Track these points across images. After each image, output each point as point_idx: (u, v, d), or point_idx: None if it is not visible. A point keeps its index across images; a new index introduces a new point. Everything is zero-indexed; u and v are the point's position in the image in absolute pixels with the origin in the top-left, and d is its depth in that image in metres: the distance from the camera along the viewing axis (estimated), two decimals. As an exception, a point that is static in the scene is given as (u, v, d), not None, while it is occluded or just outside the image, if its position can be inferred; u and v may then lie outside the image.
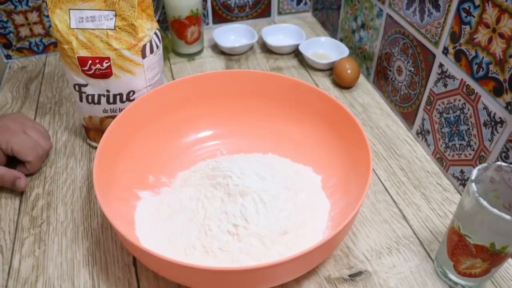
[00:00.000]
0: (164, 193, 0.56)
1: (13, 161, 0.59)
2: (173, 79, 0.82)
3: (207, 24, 0.98)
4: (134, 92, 0.59)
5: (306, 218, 0.50)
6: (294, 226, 0.48)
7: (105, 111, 0.60)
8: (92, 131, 0.64)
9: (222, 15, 0.98)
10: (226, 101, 0.64)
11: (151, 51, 0.58)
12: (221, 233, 0.47)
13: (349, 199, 0.50)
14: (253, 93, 0.63)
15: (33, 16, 0.84)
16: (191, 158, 0.61)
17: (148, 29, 0.57)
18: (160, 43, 0.60)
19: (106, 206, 0.43)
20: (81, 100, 0.60)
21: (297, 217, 0.49)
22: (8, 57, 0.87)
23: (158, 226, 0.50)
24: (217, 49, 0.91)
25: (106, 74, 0.56)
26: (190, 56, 0.88)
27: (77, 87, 0.58)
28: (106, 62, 0.55)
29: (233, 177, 0.51)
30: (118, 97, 0.59)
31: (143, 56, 0.57)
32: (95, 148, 0.66)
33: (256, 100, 0.63)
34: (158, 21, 0.83)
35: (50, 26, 0.86)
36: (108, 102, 0.59)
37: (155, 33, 0.58)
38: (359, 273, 0.50)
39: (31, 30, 0.85)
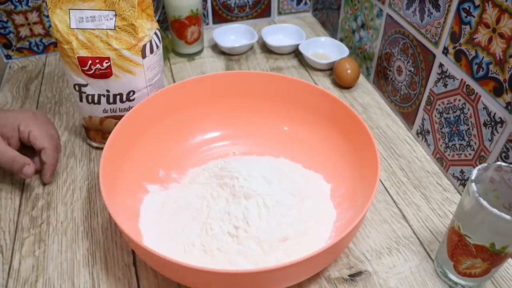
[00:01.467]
0: (172, 188, 0.56)
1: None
2: (173, 79, 0.82)
3: (207, 24, 0.98)
4: (134, 92, 0.59)
5: (309, 226, 0.50)
6: (296, 233, 0.48)
7: (105, 111, 0.60)
8: (92, 131, 0.64)
9: (222, 15, 0.98)
10: (242, 101, 0.64)
11: (151, 51, 0.58)
12: (221, 233, 0.47)
13: (355, 209, 0.50)
14: (272, 96, 0.63)
15: (33, 16, 0.84)
16: (202, 156, 0.62)
17: (148, 29, 0.57)
18: (160, 43, 0.60)
19: (109, 197, 0.44)
20: (81, 100, 0.60)
21: (300, 224, 0.49)
22: (8, 57, 0.87)
23: (162, 220, 0.51)
24: (217, 49, 0.91)
25: (106, 74, 0.56)
26: (190, 56, 0.88)
27: (77, 87, 0.58)
28: (106, 62, 0.55)
29: (240, 178, 0.51)
30: (118, 97, 0.59)
31: (143, 56, 0.57)
32: (95, 148, 0.66)
33: (274, 102, 0.63)
34: (158, 21, 0.83)
35: (50, 26, 0.86)
36: (108, 102, 0.59)
37: (155, 33, 0.58)
38: (359, 273, 0.50)
39: (31, 30, 0.85)
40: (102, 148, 0.66)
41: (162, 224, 0.50)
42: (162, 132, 0.60)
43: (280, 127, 0.64)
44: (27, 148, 0.59)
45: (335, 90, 0.79)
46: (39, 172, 0.60)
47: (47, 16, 0.84)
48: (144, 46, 0.56)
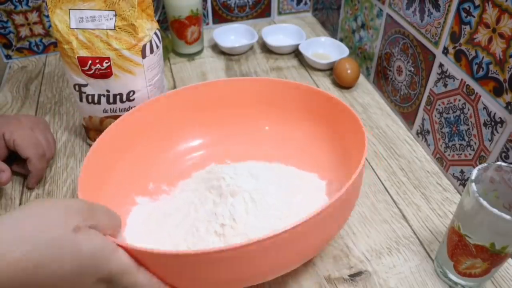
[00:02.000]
0: (162, 199, 0.55)
1: (15, 161, 0.60)
2: (173, 79, 0.82)
3: (207, 24, 0.98)
4: (134, 92, 0.59)
5: (300, 220, 0.49)
6: (286, 227, 0.47)
7: (105, 111, 0.60)
8: (92, 131, 0.64)
9: (222, 15, 0.98)
10: (230, 110, 0.62)
11: (151, 51, 0.58)
12: (207, 234, 0.46)
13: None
14: (257, 100, 0.62)
15: (33, 16, 0.84)
16: (190, 165, 0.60)
17: (148, 29, 0.57)
18: (160, 43, 0.60)
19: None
20: (81, 100, 0.60)
21: (290, 218, 0.47)
22: (8, 57, 0.87)
23: (148, 229, 0.49)
24: (217, 49, 0.91)
25: (106, 74, 0.56)
26: (190, 56, 0.89)
27: (77, 87, 0.58)
28: (106, 62, 0.55)
29: (226, 178, 0.49)
30: (118, 97, 0.59)
31: (143, 56, 0.57)
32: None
33: (261, 107, 0.62)
34: (158, 21, 0.83)
35: (50, 26, 0.86)
36: (108, 102, 0.59)
37: (155, 33, 0.58)
38: (359, 273, 0.50)
39: (31, 30, 0.85)
40: (102, 148, 0.66)
41: (148, 232, 0.49)
42: (151, 143, 0.58)
43: (262, 127, 0.63)
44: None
45: (335, 90, 0.79)
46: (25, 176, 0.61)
47: (47, 16, 0.84)
48: (144, 46, 0.56)
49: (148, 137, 0.58)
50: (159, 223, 0.50)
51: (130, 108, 0.60)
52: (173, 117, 0.60)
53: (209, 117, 0.63)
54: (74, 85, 0.58)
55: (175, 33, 0.84)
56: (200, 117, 0.62)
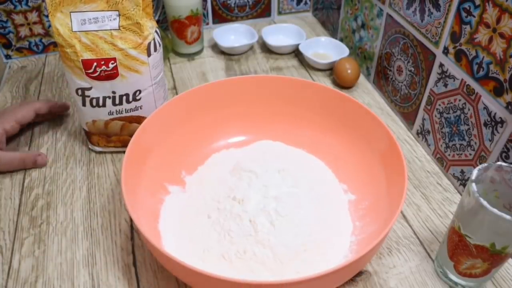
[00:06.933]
0: (193, 190, 0.56)
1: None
2: (173, 79, 0.82)
3: (207, 24, 0.98)
4: (140, 92, 0.58)
5: (327, 236, 0.49)
6: (314, 244, 0.48)
7: (110, 113, 0.60)
8: (96, 136, 0.63)
9: (222, 15, 0.98)
10: (271, 107, 0.63)
11: (155, 49, 0.57)
12: (240, 240, 0.47)
13: (377, 225, 0.48)
14: (302, 102, 0.62)
15: (33, 16, 0.84)
16: (226, 160, 0.61)
17: (150, 27, 0.56)
18: (161, 41, 0.59)
19: (129, 195, 0.45)
20: (84, 104, 0.59)
21: (318, 235, 0.49)
22: (7, 57, 0.87)
23: (181, 223, 0.51)
24: (217, 49, 0.91)
25: (112, 75, 0.56)
26: (190, 56, 0.88)
27: (79, 92, 0.57)
28: (112, 63, 0.55)
29: (259, 174, 0.52)
30: (124, 97, 0.58)
31: (148, 54, 0.56)
32: (98, 152, 0.66)
33: (298, 108, 0.63)
34: (158, 21, 0.83)
35: (49, 26, 0.86)
36: (114, 103, 0.58)
37: (156, 32, 0.58)
38: (359, 273, 0.50)
39: (30, 30, 0.85)
40: (104, 152, 0.66)
41: (182, 227, 0.51)
42: (186, 134, 0.60)
43: (304, 132, 0.63)
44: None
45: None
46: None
47: (47, 16, 0.84)
48: (149, 44, 0.56)
49: (190, 126, 0.60)
50: (192, 219, 0.52)
51: (136, 108, 0.60)
52: (217, 107, 0.62)
53: (253, 114, 0.64)
54: (77, 90, 0.57)
55: (175, 33, 0.84)
56: (243, 112, 0.63)
